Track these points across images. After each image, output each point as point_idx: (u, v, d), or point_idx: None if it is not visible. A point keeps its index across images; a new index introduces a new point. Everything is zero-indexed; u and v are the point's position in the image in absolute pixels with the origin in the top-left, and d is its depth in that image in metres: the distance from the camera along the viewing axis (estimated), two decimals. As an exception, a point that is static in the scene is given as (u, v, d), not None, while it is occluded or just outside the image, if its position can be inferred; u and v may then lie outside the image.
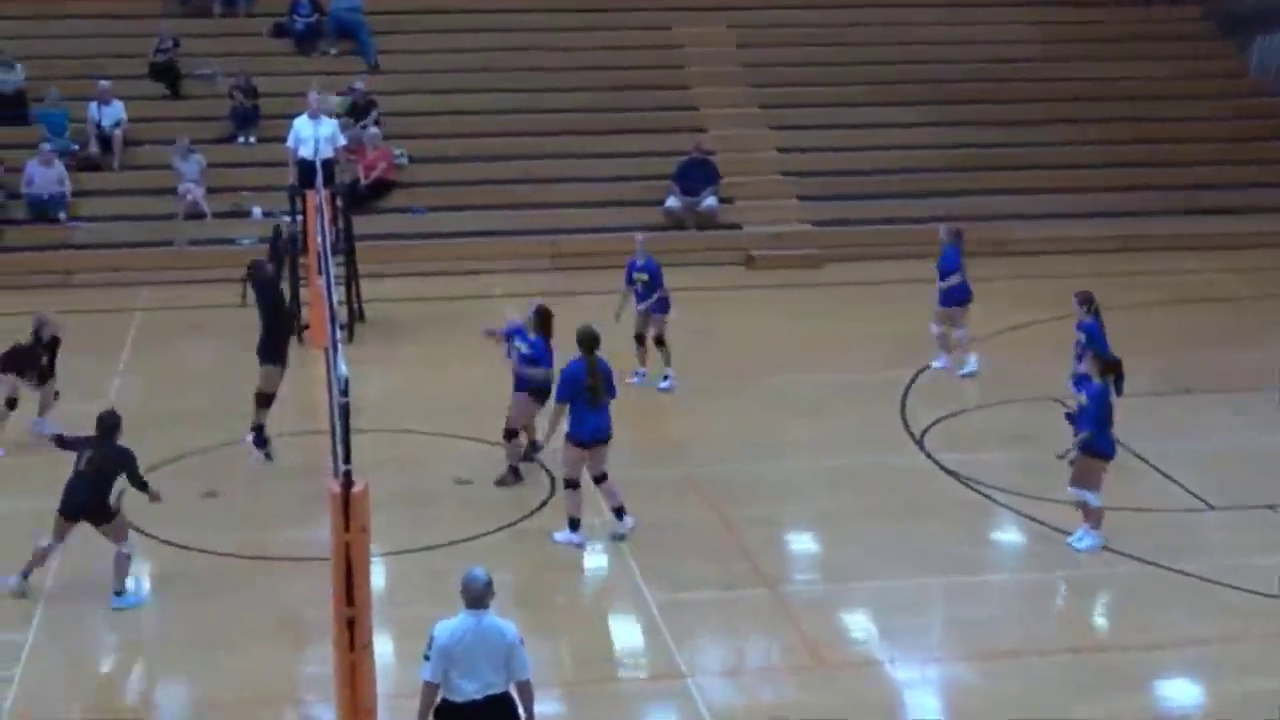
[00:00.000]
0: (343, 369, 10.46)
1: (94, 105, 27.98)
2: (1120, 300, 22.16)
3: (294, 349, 18.86)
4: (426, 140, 29.08)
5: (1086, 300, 18.47)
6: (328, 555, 10.60)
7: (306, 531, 15.53)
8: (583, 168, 28.90)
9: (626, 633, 14.34)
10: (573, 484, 15.72)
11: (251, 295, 18.34)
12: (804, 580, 15.53)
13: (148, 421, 17.92)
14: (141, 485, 14.77)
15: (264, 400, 17.89)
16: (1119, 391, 15.99)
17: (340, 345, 12.51)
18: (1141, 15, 33.66)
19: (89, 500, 14.50)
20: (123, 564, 14.55)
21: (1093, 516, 15.62)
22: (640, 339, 20.62)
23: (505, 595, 10.81)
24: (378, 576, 13.88)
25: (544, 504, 16.86)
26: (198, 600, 14.75)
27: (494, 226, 27.53)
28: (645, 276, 20.65)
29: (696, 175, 28.07)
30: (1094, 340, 17.89)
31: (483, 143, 29.11)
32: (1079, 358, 17.91)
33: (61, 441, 15.11)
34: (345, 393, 10.33)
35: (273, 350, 17.91)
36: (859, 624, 14.43)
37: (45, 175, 26.82)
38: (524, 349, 17.11)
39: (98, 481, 14.51)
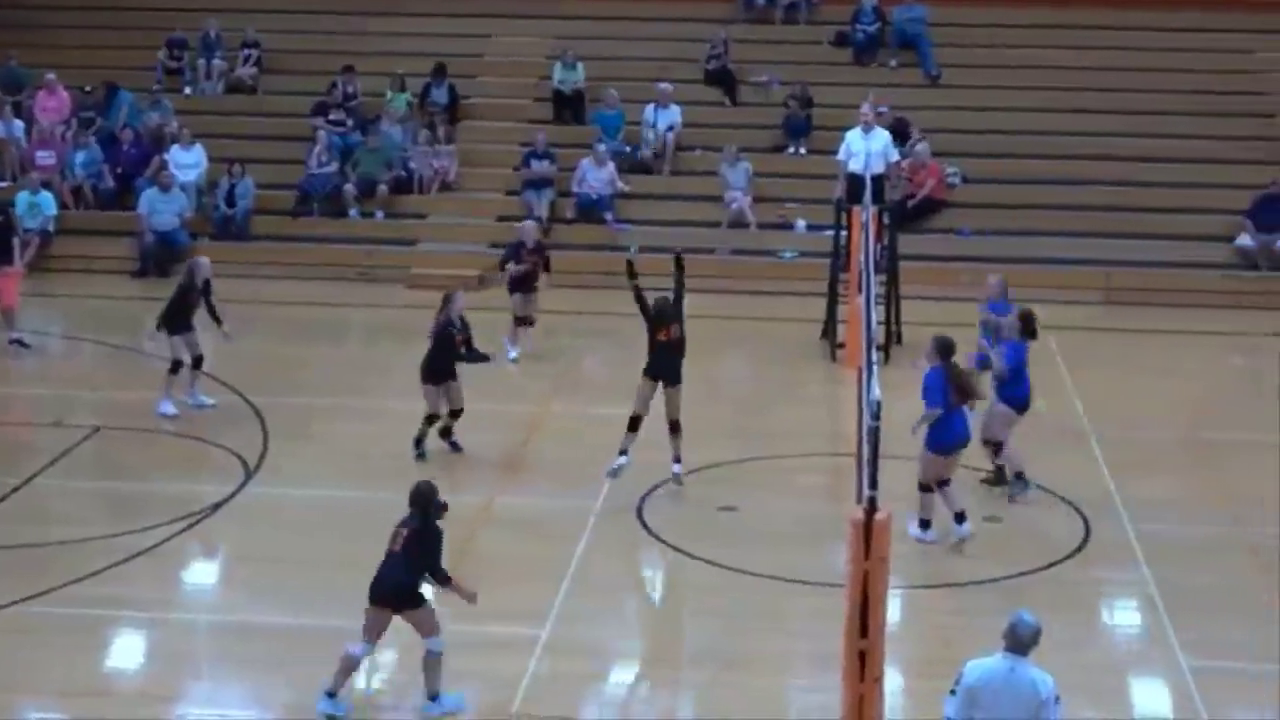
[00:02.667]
0: (876, 392, 10.23)
1: (650, 108, 28.28)
2: None
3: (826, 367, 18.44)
4: (982, 160, 28.23)
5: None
6: (841, 582, 10.22)
7: (819, 556, 15.13)
8: (1145, 197, 27.55)
9: (1155, 699, 13.51)
10: (928, 488, 15.92)
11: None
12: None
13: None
14: (442, 575, 12.59)
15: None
16: None
17: (875, 367, 12.13)
18: None
19: (403, 583, 12.48)
20: (433, 665, 12.51)
21: None
22: None
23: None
24: (893, 610, 13.55)
25: (1079, 549, 16.05)
26: (706, 615, 14.60)
27: (1045, 253, 26.44)
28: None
29: (1274, 211, 26.41)
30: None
31: (1038, 165, 28.11)
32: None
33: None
34: (876, 416, 10.12)
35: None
36: None
37: (597, 175, 27.27)
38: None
39: (410, 562, 12.49)
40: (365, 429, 19.25)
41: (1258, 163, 27.72)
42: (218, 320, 19.87)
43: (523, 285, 22.11)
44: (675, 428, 17.02)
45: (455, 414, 18.16)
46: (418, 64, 29.57)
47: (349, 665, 12.46)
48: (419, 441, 17.91)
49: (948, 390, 15.68)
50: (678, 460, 17.13)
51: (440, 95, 29.15)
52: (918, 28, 30.20)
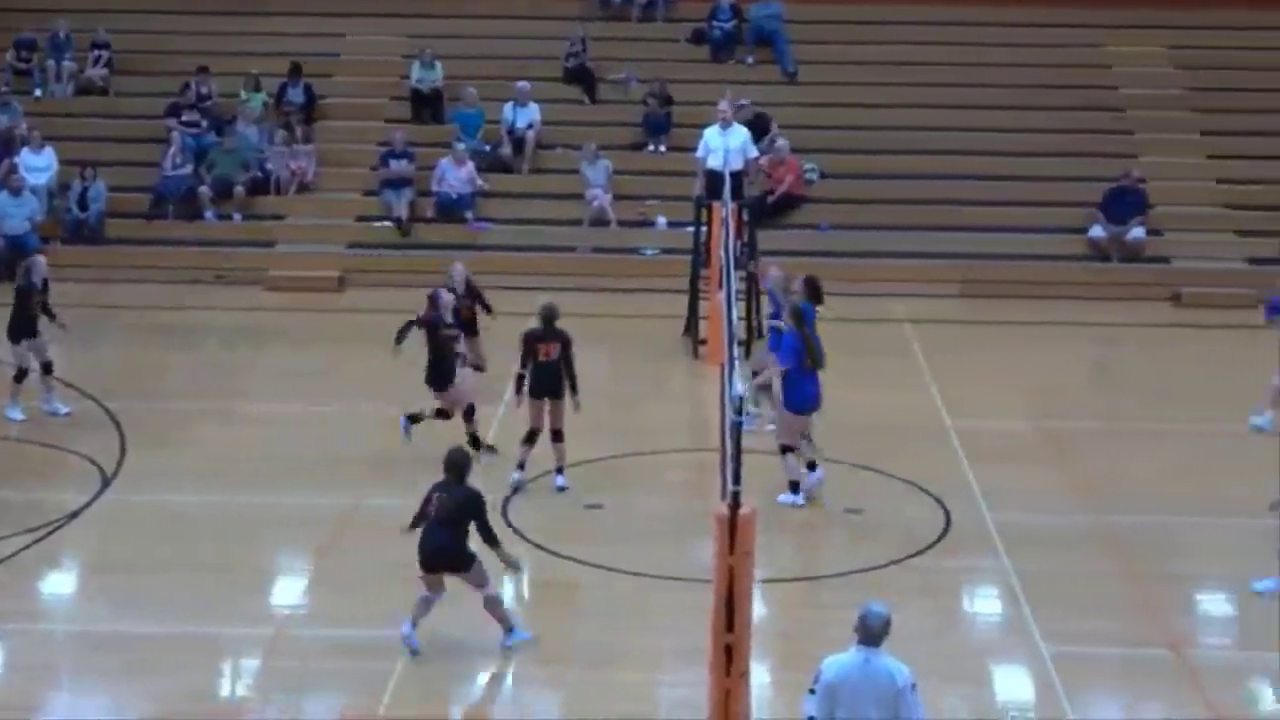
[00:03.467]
0: (738, 387, 10.25)
1: (509, 106, 28.21)
2: None
3: (688, 363, 18.56)
4: (839, 156, 28.44)
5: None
6: (708, 578, 10.24)
7: (684, 552, 15.21)
8: (1000, 190, 27.90)
9: (1017, 685, 13.68)
10: (790, 449, 16.68)
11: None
12: (1214, 646, 14.60)
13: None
14: (490, 537, 13.54)
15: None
16: None
17: (736, 363, 12.16)
18: None
19: (445, 548, 13.39)
20: (495, 608, 13.61)
21: None
22: None
23: (891, 634, 10.18)
24: (758, 603, 13.40)
25: (939, 540, 16.19)
26: (574, 613, 14.64)
27: (903, 248, 26.72)
28: None
29: (1124, 203, 26.82)
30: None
31: (896, 160, 28.35)
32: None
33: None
34: (739, 412, 10.10)
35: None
36: (1271, 699, 13.45)
37: (457, 174, 27.16)
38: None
39: (451, 528, 13.38)
40: (224, 434, 19.04)
41: (1109, 155, 28.12)
42: (51, 315, 19.51)
43: (465, 330, 19.87)
44: (558, 436, 17.12)
45: (467, 414, 18.09)
46: (273, 64, 29.24)
47: (423, 608, 13.40)
48: (474, 440, 17.74)
49: (803, 353, 16.51)
50: (560, 471, 17.24)
51: (296, 95, 28.85)
52: (775, 25, 30.32)
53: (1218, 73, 29.95)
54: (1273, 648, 14.05)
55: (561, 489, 17.15)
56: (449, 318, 18.39)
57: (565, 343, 17.03)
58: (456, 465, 13.49)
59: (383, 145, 27.95)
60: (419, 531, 13.46)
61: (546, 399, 17.04)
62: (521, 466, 17.15)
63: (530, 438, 17.15)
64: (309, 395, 20.40)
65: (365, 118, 29.38)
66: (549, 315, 17.16)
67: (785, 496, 16.69)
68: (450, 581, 13.43)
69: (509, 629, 13.58)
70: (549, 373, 16.99)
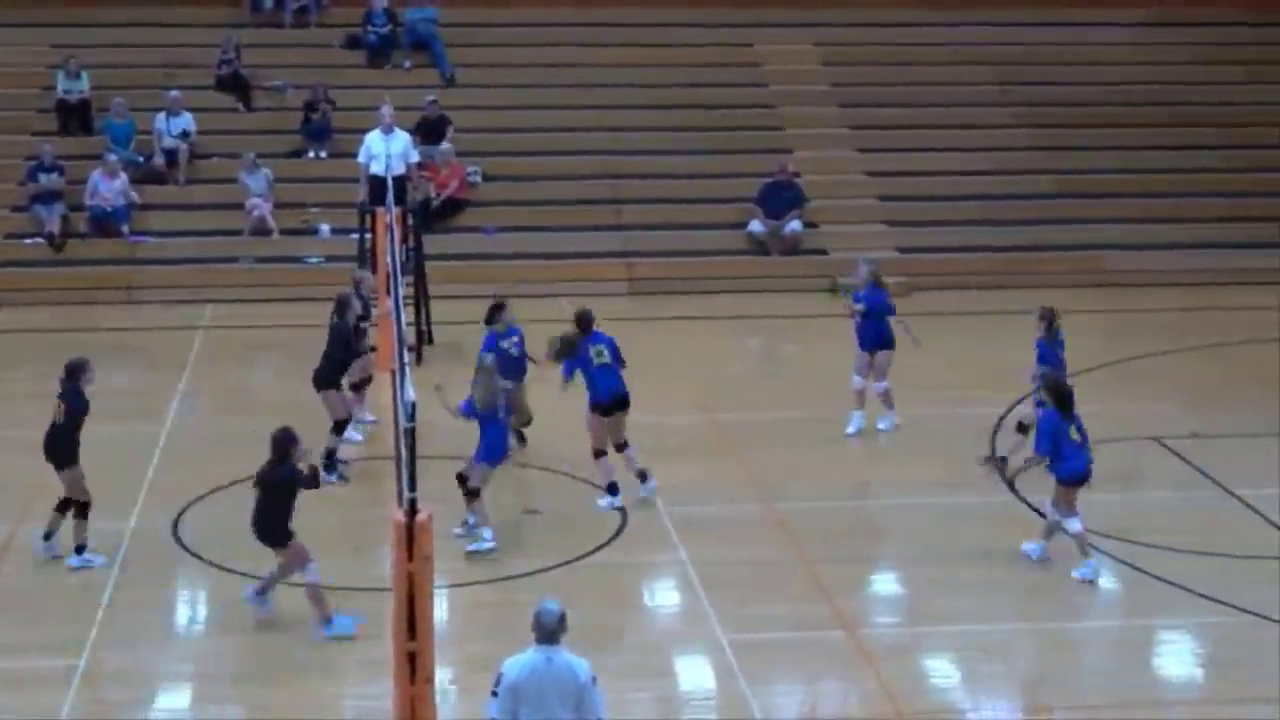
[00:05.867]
0: (410, 393, 10.17)
1: (161, 116, 27.54)
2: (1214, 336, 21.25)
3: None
4: (501, 158, 28.51)
5: (1044, 317, 17.93)
6: (388, 586, 10.14)
7: (366, 561, 15.18)
8: (662, 189, 28.34)
9: (699, 673, 13.90)
10: (601, 453, 16.87)
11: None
12: (884, 624, 14.98)
13: (209, 443, 17.45)
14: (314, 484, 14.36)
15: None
16: (1067, 417, 15.40)
17: (408, 369, 12.09)
18: (1251, 36, 32.38)
19: (262, 524, 14.01)
20: (315, 593, 13.98)
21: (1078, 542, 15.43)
22: None
23: (573, 631, 10.31)
24: (441, 609, 13.58)
25: (616, 536, 16.40)
26: (251, 631, 14.33)
27: (568, 248, 26.93)
28: (862, 307, 19.37)
29: (780, 198, 27.45)
30: (1042, 359, 17.56)
31: (559, 161, 28.54)
32: (1033, 376, 17.63)
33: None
34: (412, 418, 10.07)
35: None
36: (941, 671, 13.97)
37: (110, 187, 26.37)
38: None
39: (269, 504, 13.98)
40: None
41: (763, 151, 28.76)
42: None
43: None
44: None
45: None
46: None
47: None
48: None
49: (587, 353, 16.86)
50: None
51: (-65, 109, 27.72)
52: (430, 29, 30.21)
53: (863, 69, 30.87)
54: (939, 622, 14.61)
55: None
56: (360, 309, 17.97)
57: None
58: (279, 445, 13.93)
59: (30, 159, 26.94)
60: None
61: None
62: None
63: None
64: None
65: (10, 131, 28.30)
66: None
67: (604, 501, 16.83)
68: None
69: (328, 619, 13.95)
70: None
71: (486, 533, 15.77)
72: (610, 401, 16.79)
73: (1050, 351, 17.71)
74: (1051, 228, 27.91)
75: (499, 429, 15.89)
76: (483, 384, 15.78)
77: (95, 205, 26.37)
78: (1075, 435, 15.30)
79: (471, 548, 15.71)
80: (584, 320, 17.13)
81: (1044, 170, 29.13)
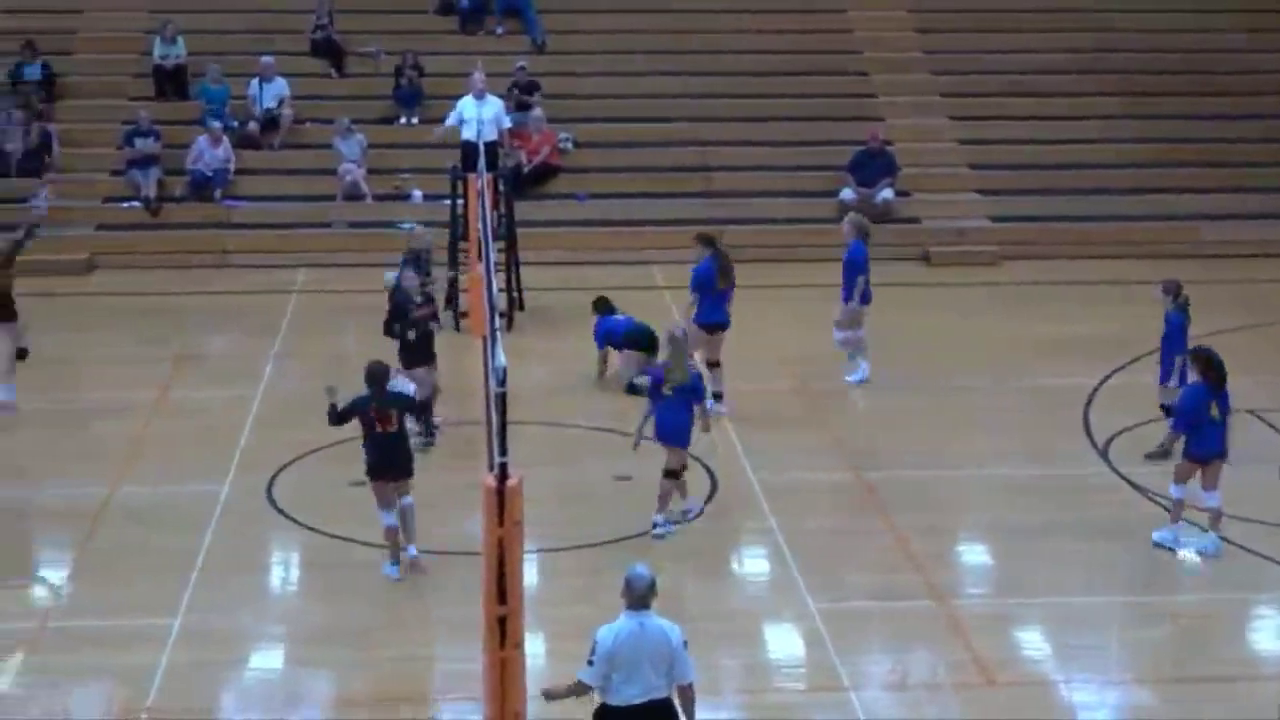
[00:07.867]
0: (501, 359, 10.24)
1: (255, 82, 27.70)
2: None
3: (450, 336, 18.40)
4: (593, 125, 28.51)
5: (1171, 290, 17.83)
6: (479, 550, 10.11)
7: (458, 525, 15.18)
8: (753, 156, 28.21)
9: (787, 641, 13.89)
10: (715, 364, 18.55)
11: None
12: (976, 595, 14.89)
13: (303, 406, 17.57)
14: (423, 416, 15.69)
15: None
16: (1216, 391, 15.09)
17: (499, 334, 12.16)
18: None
19: (405, 452, 14.71)
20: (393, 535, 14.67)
21: (1174, 512, 15.30)
22: None
23: (662, 598, 10.36)
24: (531, 574, 13.72)
25: (708, 501, 16.46)
26: (346, 592, 14.42)
27: (660, 215, 26.87)
28: None
29: (873, 166, 27.28)
30: (1171, 333, 17.53)
31: (651, 128, 28.51)
32: (1164, 352, 17.64)
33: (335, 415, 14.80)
34: (503, 383, 10.16)
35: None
36: (1032, 642, 13.91)
37: (214, 153, 26.59)
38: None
39: (402, 431, 14.66)
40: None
41: (856, 119, 28.61)
42: None
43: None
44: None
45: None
46: (6, 42, 28.33)
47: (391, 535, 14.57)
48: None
49: (714, 274, 18.56)
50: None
51: (33, 73, 27.99)
52: (522, -5, 30.26)
53: (956, 35, 30.61)
54: (1031, 594, 14.53)
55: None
56: (417, 298, 17.85)
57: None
58: (377, 375, 14.58)
59: (127, 124, 27.23)
60: None
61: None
62: None
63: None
64: (53, 386, 19.80)
65: (107, 95, 28.60)
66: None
67: (711, 404, 16.97)
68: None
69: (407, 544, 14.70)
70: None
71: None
72: (712, 323, 18.49)
73: (1179, 323, 17.60)
74: (1146, 197, 27.59)
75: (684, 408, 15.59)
76: (676, 358, 15.68)
77: (197, 169, 26.59)
78: (1215, 412, 15.04)
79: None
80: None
81: (1139, 139, 28.79)
